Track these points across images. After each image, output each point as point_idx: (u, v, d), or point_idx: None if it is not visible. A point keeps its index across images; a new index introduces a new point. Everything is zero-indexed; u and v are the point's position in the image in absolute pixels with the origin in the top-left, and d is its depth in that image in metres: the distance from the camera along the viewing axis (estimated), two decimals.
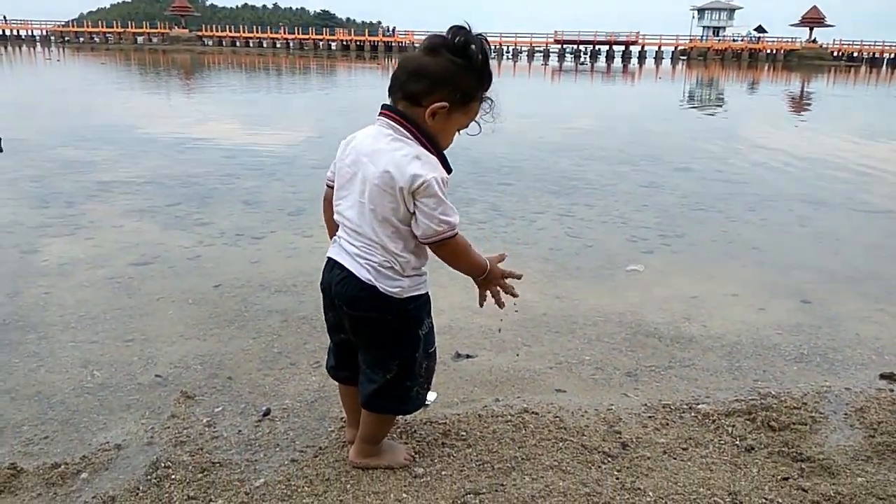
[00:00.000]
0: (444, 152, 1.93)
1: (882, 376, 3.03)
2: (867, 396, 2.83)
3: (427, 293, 2.04)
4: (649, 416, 2.61)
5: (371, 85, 21.57)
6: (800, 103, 20.49)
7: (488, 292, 2.11)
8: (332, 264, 2.01)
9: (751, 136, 11.96)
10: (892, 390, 2.89)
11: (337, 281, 1.97)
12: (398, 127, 1.87)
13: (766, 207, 6.31)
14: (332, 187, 2.03)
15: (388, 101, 1.92)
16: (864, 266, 4.66)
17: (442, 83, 1.84)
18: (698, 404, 2.72)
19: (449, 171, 1.90)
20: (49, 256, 4.33)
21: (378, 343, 2.03)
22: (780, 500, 2.10)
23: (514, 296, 2.14)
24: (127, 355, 3.03)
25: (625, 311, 3.75)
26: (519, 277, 2.13)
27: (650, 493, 2.10)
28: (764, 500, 2.10)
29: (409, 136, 1.86)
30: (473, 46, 1.84)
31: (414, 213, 1.86)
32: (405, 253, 1.93)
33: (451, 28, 1.85)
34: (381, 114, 1.91)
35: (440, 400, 2.67)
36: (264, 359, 3.05)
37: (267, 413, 2.57)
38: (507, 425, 2.49)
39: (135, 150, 8.46)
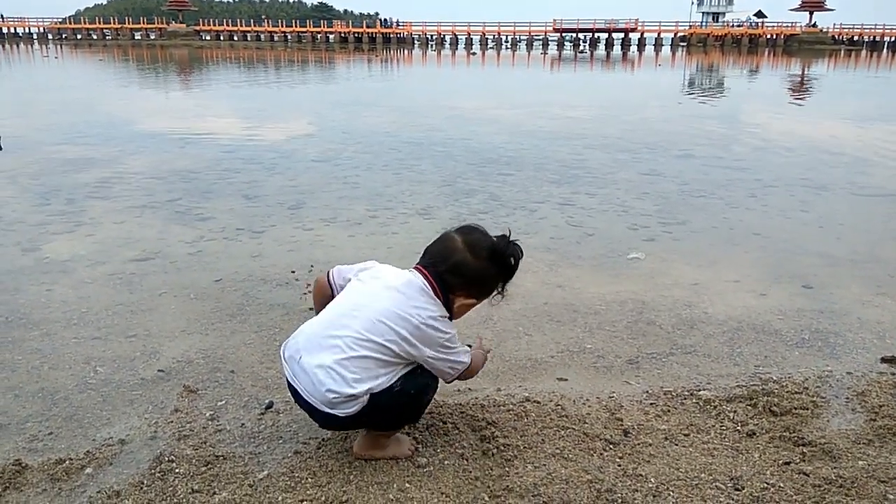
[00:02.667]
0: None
1: (883, 360, 3.03)
2: (869, 380, 2.83)
3: None
4: (651, 403, 2.62)
5: (370, 77, 21.53)
6: (800, 88, 20.41)
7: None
8: None
9: (752, 122, 11.92)
10: (893, 374, 2.89)
11: None
12: (433, 290, 2.08)
13: (767, 193, 6.30)
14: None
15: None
16: (865, 250, 4.65)
17: (476, 283, 2.12)
18: (700, 390, 2.72)
19: None
20: (50, 253, 4.34)
21: None
22: (781, 485, 2.11)
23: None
24: (129, 351, 3.04)
25: (626, 298, 3.75)
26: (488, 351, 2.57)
27: (652, 480, 2.11)
28: (765, 485, 2.10)
29: (440, 301, 2.09)
30: (513, 260, 2.12)
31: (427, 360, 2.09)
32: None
33: (498, 237, 2.12)
34: (420, 269, 2.12)
35: (442, 388, 2.65)
36: (266, 352, 3.06)
37: (270, 406, 2.58)
38: (509, 414, 2.49)
39: (134, 146, 8.46)
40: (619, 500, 2.01)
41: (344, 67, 24.84)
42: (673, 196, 6.16)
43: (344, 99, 15.37)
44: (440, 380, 2.22)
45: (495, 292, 2.20)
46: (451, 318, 2.14)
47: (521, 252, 2.15)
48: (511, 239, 2.14)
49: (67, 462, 2.19)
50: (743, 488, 2.08)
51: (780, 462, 2.23)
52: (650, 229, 5.11)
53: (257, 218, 5.25)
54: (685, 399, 2.66)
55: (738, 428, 2.44)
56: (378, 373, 2.01)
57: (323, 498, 2.01)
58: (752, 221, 5.36)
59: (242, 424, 2.45)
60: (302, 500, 2.00)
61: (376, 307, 2.03)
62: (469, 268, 2.08)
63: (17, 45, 60.87)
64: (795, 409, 2.55)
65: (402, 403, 2.08)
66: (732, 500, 2.04)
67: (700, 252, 4.61)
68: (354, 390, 1.98)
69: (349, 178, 6.75)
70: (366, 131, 10.01)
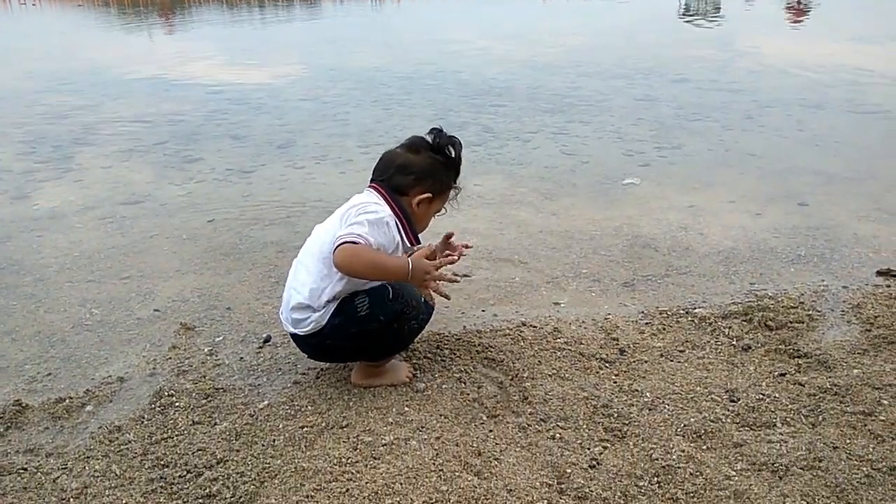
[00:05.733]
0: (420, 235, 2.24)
1: (879, 273, 3.04)
2: (864, 293, 2.84)
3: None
4: (646, 323, 2.63)
5: (358, 13, 20.93)
6: (798, 10, 19.91)
7: (431, 290, 2.21)
8: None
9: (749, 45, 11.65)
10: (888, 286, 2.90)
11: None
12: (384, 199, 2.14)
13: (763, 114, 6.20)
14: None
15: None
16: (862, 167, 4.61)
17: (426, 177, 2.17)
18: (695, 309, 2.73)
19: (417, 242, 2.22)
20: (39, 201, 4.28)
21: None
22: (776, 395, 2.13)
23: (454, 281, 2.25)
24: (124, 292, 3.03)
25: (621, 224, 3.73)
26: (453, 261, 2.24)
27: (647, 394, 2.13)
28: (761, 396, 2.13)
29: (391, 206, 2.12)
30: (451, 147, 2.21)
31: None
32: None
33: (431, 130, 2.23)
34: (370, 186, 2.20)
35: (439, 316, 2.66)
36: (262, 289, 3.05)
37: (268, 340, 2.59)
38: (506, 339, 2.50)
39: (118, 91, 8.27)
40: (616, 415, 2.03)
41: (330, 3, 24.14)
42: (668, 120, 6.06)
43: (331, 35, 14.99)
44: (431, 312, 2.24)
45: (452, 190, 2.27)
46: (413, 223, 2.17)
47: (459, 142, 2.25)
48: (449, 134, 2.24)
49: (67, 401, 2.21)
50: (738, 399, 2.11)
51: (776, 374, 2.25)
52: (645, 154, 5.04)
53: (246, 158, 5.17)
54: (680, 317, 2.67)
55: (734, 343, 2.46)
56: (324, 273, 2.07)
57: (323, 424, 2.04)
58: (748, 142, 5.29)
59: (241, 358, 2.46)
60: (302, 427, 2.02)
61: (327, 226, 2.16)
62: (414, 163, 2.18)
63: None
64: (791, 322, 2.57)
65: (373, 329, 2.08)
66: (728, 410, 2.06)
67: (696, 175, 4.56)
68: (301, 296, 2.08)
69: (339, 116, 6.62)
70: (354, 68, 9.78)
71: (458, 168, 2.27)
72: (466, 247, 2.37)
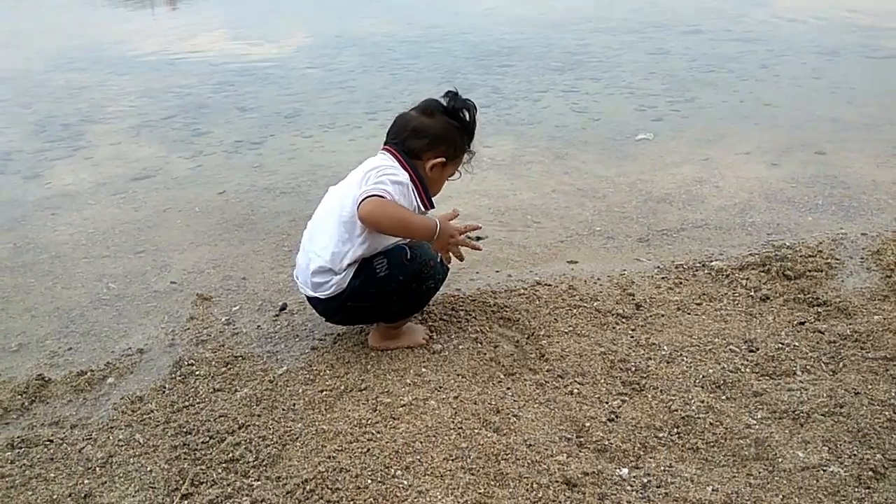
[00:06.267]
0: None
1: None
2: (884, 239, 2.79)
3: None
4: (662, 277, 2.61)
5: None
6: None
7: (451, 252, 2.19)
8: None
9: None
10: None
11: None
12: (398, 161, 2.11)
13: (778, 63, 6.06)
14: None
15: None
16: (878, 113, 4.51)
17: (440, 141, 2.15)
18: (711, 261, 2.70)
19: (432, 206, 2.19)
20: (51, 179, 4.30)
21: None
22: (796, 344, 2.12)
23: (477, 248, 2.25)
24: (140, 266, 3.05)
25: (635, 179, 3.68)
26: (477, 228, 2.29)
27: (665, 347, 2.12)
28: (780, 345, 2.11)
29: (406, 170, 2.09)
30: (466, 111, 2.18)
31: None
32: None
33: (446, 93, 2.19)
34: (384, 149, 2.18)
35: (453, 278, 2.65)
36: (276, 258, 3.06)
37: (284, 308, 2.60)
38: (521, 298, 2.50)
39: (123, 68, 8.24)
40: (633, 369, 2.03)
41: None
42: (681, 73, 5.95)
43: (334, 2, 14.79)
44: (445, 273, 2.23)
45: (465, 154, 2.24)
46: (426, 187, 2.15)
47: (474, 105, 2.22)
48: (462, 97, 2.20)
49: (89, 374, 2.24)
50: (757, 349, 2.09)
51: (795, 323, 2.23)
52: (658, 109, 4.96)
53: (255, 129, 5.15)
54: (697, 271, 2.64)
55: (752, 294, 2.44)
56: (345, 237, 2.06)
57: (342, 387, 2.05)
58: (763, 92, 5.19)
59: (258, 326, 2.48)
60: (322, 391, 2.04)
61: (344, 189, 2.14)
62: (428, 127, 2.15)
63: None
64: (809, 271, 2.53)
65: (392, 290, 2.08)
66: (747, 360, 2.05)
67: (710, 128, 4.48)
68: (322, 259, 2.08)
69: (345, 83, 6.56)
70: (360, 34, 9.66)
71: (473, 132, 2.24)
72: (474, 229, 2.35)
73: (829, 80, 5.41)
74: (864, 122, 4.34)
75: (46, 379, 2.21)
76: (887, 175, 3.47)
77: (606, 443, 1.75)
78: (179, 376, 2.18)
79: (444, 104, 2.18)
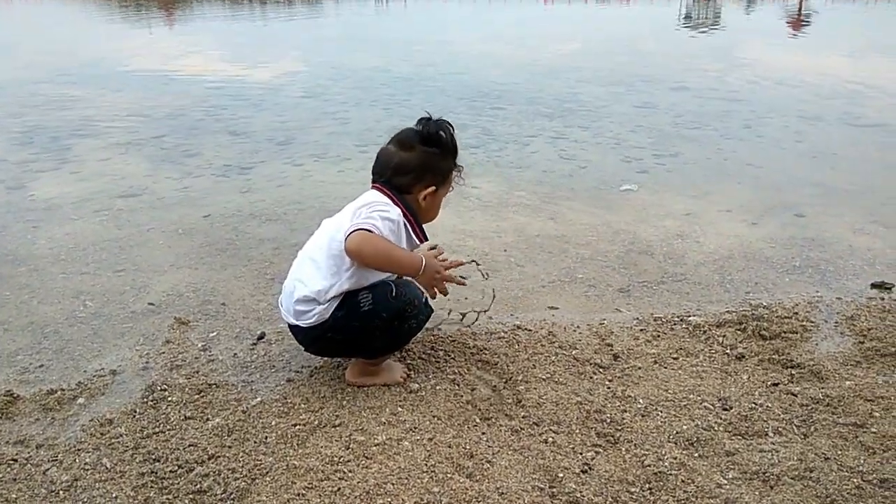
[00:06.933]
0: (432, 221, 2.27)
1: (873, 285, 3.05)
2: (858, 305, 2.85)
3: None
4: (641, 329, 2.63)
5: (359, 13, 20.92)
6: (797, 22, 19.99)
7: (436, 288, 2.21)
8: None
9: (748, 55, 11.70)
10: (882, 298, 2.91)
11: None
12: (389, 198, 2.13)
13: (761, 124, 6.22)
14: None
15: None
16: (859, 179, 4.63)
17: (424, 172, 2.15)
18: (689, 316, 2.73)
19: (426, 238, 2.22)
20: (35, 191, 4.27)
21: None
22: (769, 404, 2.14)
23: (462, 284, 2.29)
24: (119, 285, 3.02)
25: (618, 229, 3.73)
26: (462, 264, 2.31)
27: (641, 400, 2.13)
28: (753, 405, 2.13)
29: (397, 205, 2.12)
30: (443, 134, 2.16)
31: None
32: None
33: (419, 120, 2.18)
34: (374, 187, 2.19)
35: (436, 319, 2.65)
36: (257, 285, 3.05)
37: (262, 337, 2.59)
38: (501, 341, 2.50)
39: (117, 84, 8.26)
40: (609, 420, 2.04)
41: (331, 3, 24.14)
42: (667, 128, 6.08)
43: (332, 34, 14.98)
44: (429, 313, 2.23)
45: (454, 173, 2.25)
46: (420, 219, 2.19)
47: (449, 124, 2.20)
48: (435, 118, 2.18)
49: (59, 392, 2.20)
50: (731, 408, 2.11)
51: (769, 383, 2.26)
52: (643, 161, 5.05)
53: (245, 154, 5.17)
54: (675, 325, 2.67)
55: (727, 351, 2.46)
56: (333, 270, 2.07)
57: (316, 422, 2.03)
58: (746, 152, 5.31)
59: (235, 354, 2.46)
60: (295, 425, 2.02)
61: (337, 223, 2.15)
62: (410, 161, 2.15)
63: None
64: (785, 332, 2.57)
65: (374, 325, 2.08)
66: (720, 419, 2.06)
67: (693, 183, 4.57)
68: (307, 289, 2.07)
69: (338, 114, 6.62)
70: (355, 67, 9.78)
71: (455, 150, 2.23)
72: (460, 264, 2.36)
73: (810, 145, 5.55)
74: (844, 188, 4.46)
75: (15, 395, 2.17)
76: (864, 241, 3.55)
77: (579, 495, 1.75)
78: (151, 401, 2.15)
79: (419, 131, 2.17)
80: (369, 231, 1.98)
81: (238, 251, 3.41)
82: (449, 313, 2.69)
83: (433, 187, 2.17)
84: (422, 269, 2.08)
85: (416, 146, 2.16)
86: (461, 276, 2.33)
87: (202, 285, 3.03)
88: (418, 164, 2.15)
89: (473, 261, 2.56)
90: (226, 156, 5.11)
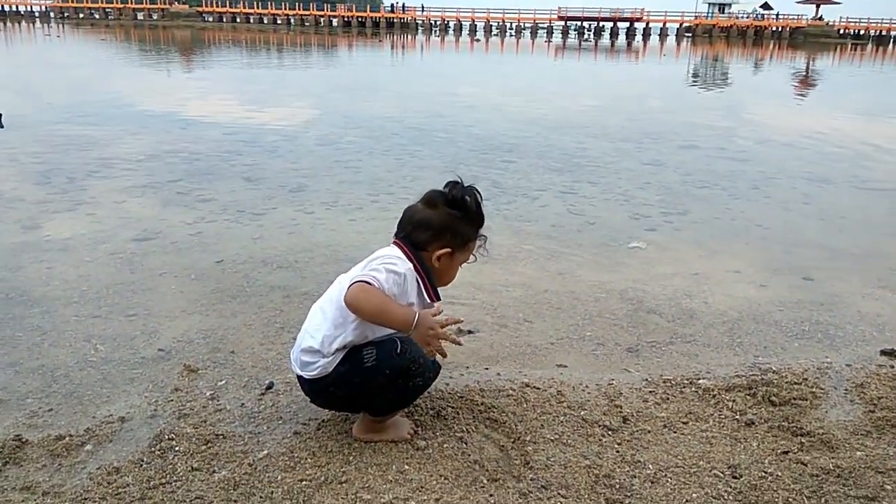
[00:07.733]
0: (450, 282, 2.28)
1: (883, 352, 3.03)
2: (868, 372, 2.83)
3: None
4: (650, 391, 2.62)
5: (373, 62, 21.41)
6: (804, 82, 20.31)
7: (432, 347, 2.17)
8: None
9: (755, 115, 11.88)
10: (892, 366, 2.90)
11: None
12: (404, 253, 2.15)
13: (769, 185, 6.28)
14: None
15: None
16: (867, 243, 4.65)
17: (443, 231, 2.17)
18: (699, 379, 2.73)
19: (438, 298, 2.22)
20: (51, 232, 4.33)
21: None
22: (779, 474, 2.11)
23: (458, 343, 2.25)
24: (130, 330, 3.04)
25: (626, 287, 3.75)
26: (459, 322, 2.31)
27: (650, 466, 2.11)
28: (763, 474, 2.11)
29: (411, 261, 2.14)
30: (468, 199, 2.18)
31: None
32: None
33: (447, 183, 2.20)
34: (393, 242, 2.22)
35: (442, 371, 2.66)
36: (267, 333, 3.06)
37: (270, 387, 2.59)
38: (509, 399, 2.50)
39: (136, 127, 8.43)
40: (618, 486, 2.02)
41: (346, 52, 24.72)
42: (675, 186, 6.15)
43: (346, 83, 15.30)
44: (437, 371, 2.23)
45: (476, 242, 2.26)
46: (433, 279, 2.20)
47: (477, 191, 2.22)
48: (466, 185, 2.21)
49: (67, 438, 2.20)
50: (741, 476, 2.09)
51: (779, 451, 2.24)
52: (652, 219, 5.10)
53: (258, 200, 5.24)
54: (684, 387, 2.66)
55: (737, 417, 2.45)
56: (339, 321, 2.08)
57: (322, 478, 2.02)
58: (754, 213, 5.36)
59: (242, 404, 2.45)
60: (301, 480, 2.01)
61: (349, 275, 2.16)
62: (432, 219, 2.18)
63: (19, 23, 60.41)
64: (794, 399, 2.56)
65: (377, 383, 2.08)
66: (730, 487, 2.04)
67: (701, 242, 4.60)
68: (314, 340, 2.09)
69: (350, 163, 6.73)
70: (368, 116, 9.97)
71: (480, 218, 2.24)
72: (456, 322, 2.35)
73: (818, 207, 5.60)
74: (852, 251, 4.48)
75: (23, 440, 2.17)
76: (872, 307, 3.56)
77: None
78: (158, 451, 2.14)
79: (446, 194, 2.21)
80: (369, 283, 2.00)
81: (248, 298, 3.44)
82: None
83: (449, 249, 2.19)
84: (414, 324, 2.05)
85: (441, 206, 2.18)
86: (460, 329, 2.31)
87: (212, 332, 3.05)
88: (439, 223, 2.17)
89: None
90: (240, 201, 5.18)
